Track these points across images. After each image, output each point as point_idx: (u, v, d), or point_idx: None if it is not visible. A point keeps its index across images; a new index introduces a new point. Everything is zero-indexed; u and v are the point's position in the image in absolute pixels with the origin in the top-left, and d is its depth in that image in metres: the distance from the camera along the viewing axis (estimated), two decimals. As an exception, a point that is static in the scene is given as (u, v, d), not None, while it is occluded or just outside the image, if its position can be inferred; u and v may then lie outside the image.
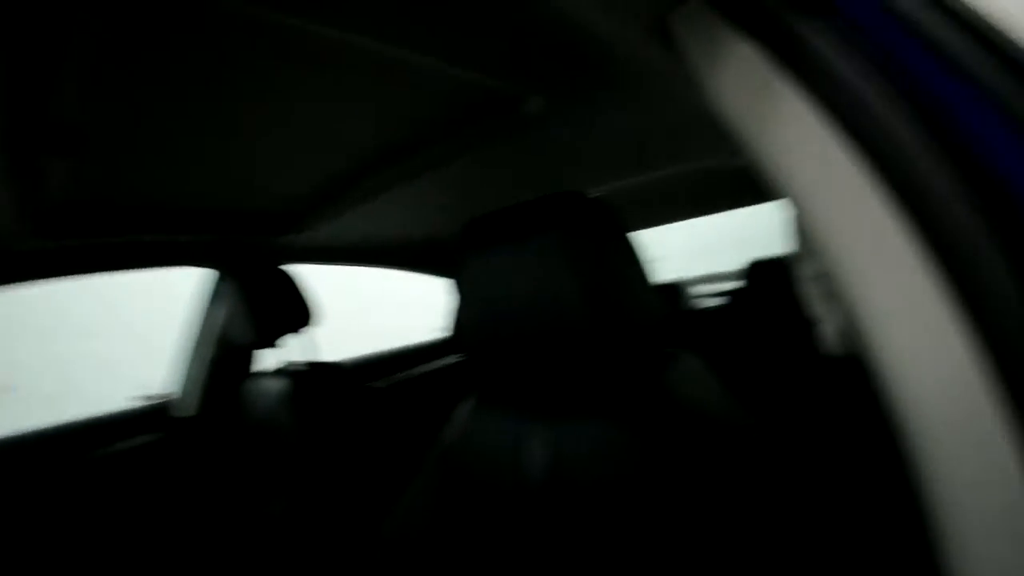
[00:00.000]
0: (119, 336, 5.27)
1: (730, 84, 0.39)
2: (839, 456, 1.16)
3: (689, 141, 1.00)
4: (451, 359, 2.11)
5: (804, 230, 0.35)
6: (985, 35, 0.30)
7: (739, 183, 1.42)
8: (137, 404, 1.49)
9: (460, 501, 0.61)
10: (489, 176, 1.05)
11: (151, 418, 1.40)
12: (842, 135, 0.32)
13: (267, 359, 1.51)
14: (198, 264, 1.35)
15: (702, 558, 0.44)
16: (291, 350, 1.22)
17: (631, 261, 0.57)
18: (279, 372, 1.15)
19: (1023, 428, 0.25)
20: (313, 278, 1.31)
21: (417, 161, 0.91)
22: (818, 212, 0.33)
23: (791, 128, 0.35)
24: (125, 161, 0.80)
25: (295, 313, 1.12)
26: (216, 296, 1.19)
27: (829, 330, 0.39)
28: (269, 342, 1.10)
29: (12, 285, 1.10)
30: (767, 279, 1.67)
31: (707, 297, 1.82)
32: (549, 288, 0.52)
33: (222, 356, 1.42)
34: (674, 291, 1.73)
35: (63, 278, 1.16)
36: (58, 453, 1.20)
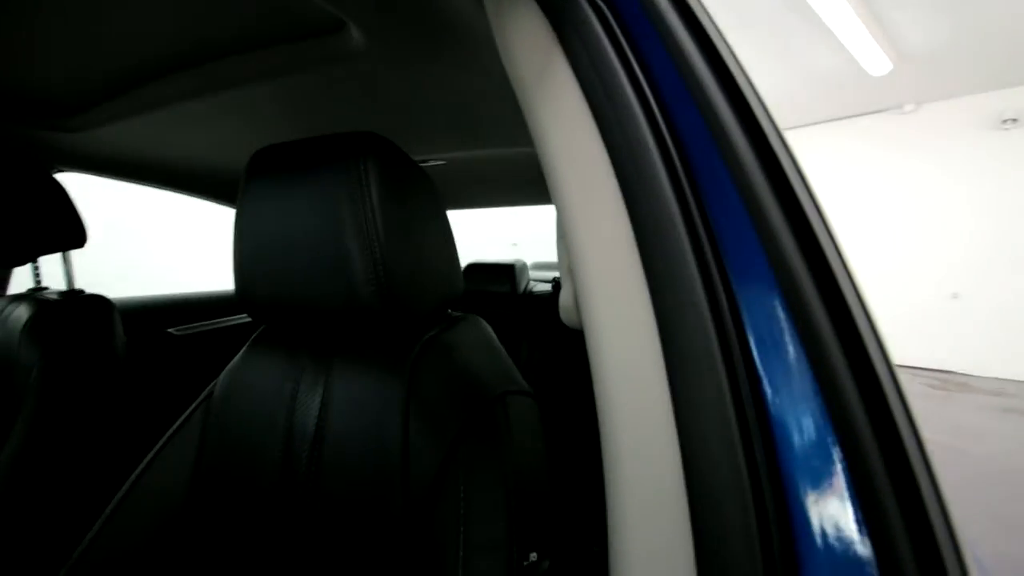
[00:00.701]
0: None
1: (516, 45, 0.40)
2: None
3: (522, 124, 1.02)
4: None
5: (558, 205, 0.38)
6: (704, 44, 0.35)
7: None
8: None
9: (220, 454, 0.56)
10: (291, 110, 0.96)
11: None
12: (590, 116, 0.35)
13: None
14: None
15: (442, 514, 0.45)
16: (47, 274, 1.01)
17: (429, 221, 0.57)
18: (24, 298, 0.94)
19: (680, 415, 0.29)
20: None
21: (212, 73, 0.80)
22: (562, 189, 0.36)
23: (556, 101, 0.37)
24: None
25: (55, 228, 0.92)
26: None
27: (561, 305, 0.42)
28: (16, 260, 0.88)
29: None
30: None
31: (542, 283, 1.94)
32: (332, 229, 0.49)
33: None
34: (511, 272, 1.80)
35: None
36: None
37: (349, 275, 0.49)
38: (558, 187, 0.36)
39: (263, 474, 0.53)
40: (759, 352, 0.28)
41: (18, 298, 0.95)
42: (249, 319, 1.80)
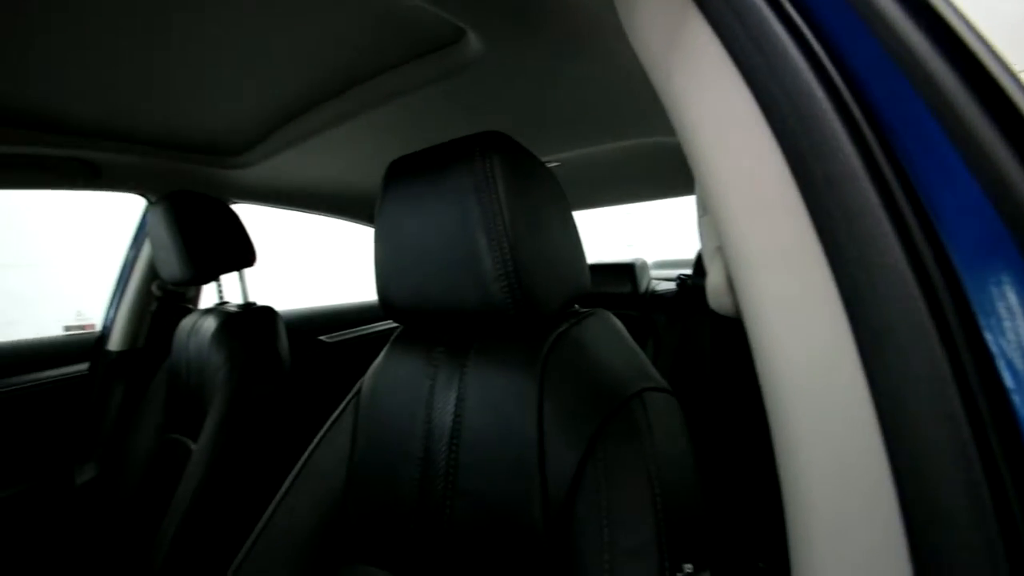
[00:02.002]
0: (59, 266, 5.14)
1: (642, 9, 0.37)
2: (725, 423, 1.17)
3: (645, 114, 0.98)
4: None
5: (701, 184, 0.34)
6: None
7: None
8: (68, 335, 1.44)
9: (369, 445, 0.60)
10: (419, 123, 1.01)
11: (81, 349, 1.35)
12: (735, 69, 0.30)
13: (205, 296, 1.47)
14: (129, 189, 1.29)
15: (581, 513, 0.43)
16: (228, 290, 1.18)
17: (555, 215, 0.55)
18: (212, 311, 1.11)
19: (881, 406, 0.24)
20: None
21: (350, 100, 0.88)
22: (707, 156, 0.32)
23: (693, 61, 0.33)
24: (45, 61, 0.74)
25: (233, 251, 1.08)
26: (151, 227, 1.13)
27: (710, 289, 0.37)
28: (202, 278, 1.05)
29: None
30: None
31: (664, 281, 1.83)
32: (462, 226, 0.50)
33: (154, 290, 1.38)
34: (631, 272, 1.73)
35: (12, 189, 1.09)
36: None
37: (480, 271, 0.49)
38: (702, 156, 0.33)
39: (406, 467, 0.55)
40: (985, 322, 0.22)
41: (208, 311, 1.13)
42: (389, 325, 1.97)
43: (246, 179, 1.30)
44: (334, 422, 0.64)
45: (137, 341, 1.37)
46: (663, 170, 1.42)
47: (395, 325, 1.99)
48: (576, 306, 0.59)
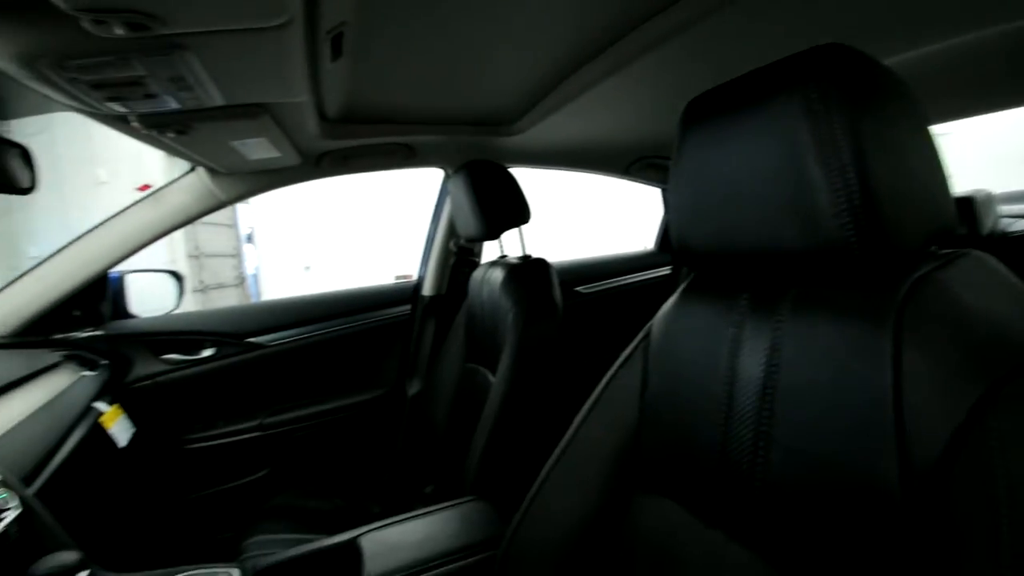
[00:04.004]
0: (385, 227, 6.88)
1: None
2: None
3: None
4: (658, 273, 2.06)
5: None
6: None
7: None
8: (396, 283, 1.88)
9: (662, 390, 0.61)
10: (714, 55, 0.93)
11: (405, 294, 1.75)
12: None
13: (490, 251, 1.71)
14: (434, 163, 1.56)
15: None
16: (509, 245, 1.35)
17: (909, 135, 0.45)
18: (497, 263, 1.29)
19: None
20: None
21: (621, 50, 0.86)
22: None
23: None
24: (380, 67, 0.95)
25: (513, 210, 1.21)
26: (449, 193, 1.36)
27: None
28: (492, 235, 1.22)
29: (309, 181, 1.45)
30: None
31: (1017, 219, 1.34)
32: (787, 160, 0.44)
33: (451, 247, 1.67)
34: (969, 208, 1.31)
35: (340, 175, 1.48)
36: (344, 312, 1.63)
37: (811, 208, 0.43)
38: None
39: (706, 413, 0.55)
40: None
41: (494, 263, 1.32)
42: (639, 278, 1.98)
43: (520, 144, 1.44)
44: (624, 362, 0.67)
45: (441, 288, 1.71)
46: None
47: (648, 276, 2.01)
48: (934, 247, 0.47)
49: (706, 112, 0.53)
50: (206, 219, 1.37)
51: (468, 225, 1.24)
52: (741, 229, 0.50)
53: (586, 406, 0.69)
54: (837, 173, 0.41)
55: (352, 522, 0.94)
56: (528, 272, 1.18)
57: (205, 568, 0.83)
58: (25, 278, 1.21)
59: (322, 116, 1.10)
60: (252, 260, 7.56)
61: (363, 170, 1.51)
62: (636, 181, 1.87)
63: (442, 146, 1.44)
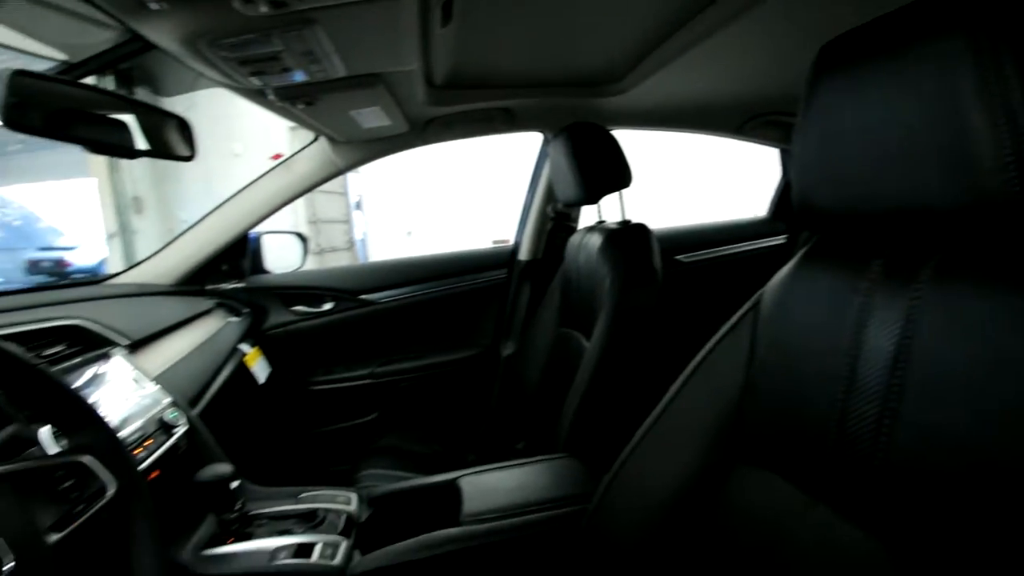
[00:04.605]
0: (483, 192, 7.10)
1: None
2: None
3: None
4: (769, 243, 1.91)
5: None
6: None
7: None
8: (493, 247, 1.94)
9: (771, 360, 0.58)
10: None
11: (502, 259, 1.80)
12: None
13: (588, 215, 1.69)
14: (533, 128, 1.56)
15: None
16: (607, 209, 1.33)
17: None
18: (595, 228, 1.27)
19: None
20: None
21: (725, 6, 0.79)
22: None
23: None
24: (485, 30, 0.95)
25: (614, 173, 1.18)
26: (548, 157, 1.36)
27: None
28: (591, 199, 1.20)
29: (415, 148, 1.51)
30: None
31: None
32: (941, 107, 0.39)
33: (549, 212, 1.67)
34: None
35: (443, 142, 1.53)
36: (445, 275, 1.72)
37: (968, 159, 0.38)
38: None
39: (822, 385, 0.51)
40: None
41: (591, 229, 1.30)
42: (745, 247, 1.85)
43: (623, 105, 1.39)
44: (730, 330, 0.64)
45: (538, 253, 1.73)
46: None
47: (756, 246, 1.87)
48: None
49: (844, 57, 0.48)
50: (322, 188, 1.51)
51: (567, 189, 1.23)
52: (878, 185, 0.45)
53: (685, 374, 0.68)
54: (1004, 120, 0.35)
55: (449, 466, 1.02)
56: (627, 238, 1.16)
57: (329, 490, 0.96)
58: (183, 237, 1.42)
59: (429, 83, 1.14)
60: (360, 226, 8.16)
61: (465, 136, 1.55)
62: (750, 141, 1.73)
63: (542, 110, 1.43)
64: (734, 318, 0.65)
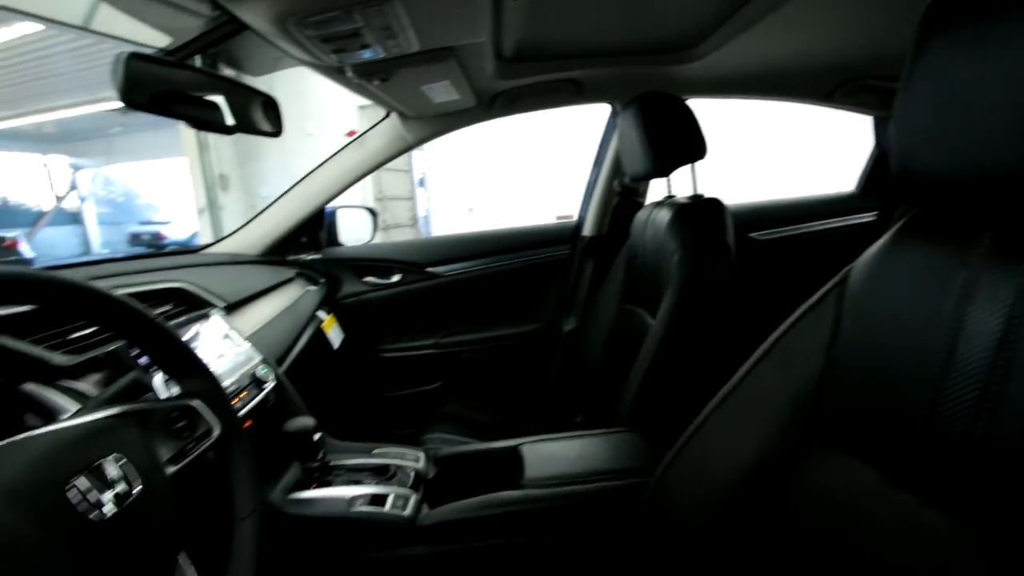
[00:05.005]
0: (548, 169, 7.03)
1: None
2: None
3: None
4: (853, 219, 1.77)
5: None
6: None
7: None
8: (556, 223, 1.93)
9: (857, 338, 0.55)
10: None
11: (565, 234, 1.79)
12: None
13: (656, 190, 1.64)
14: (602, 99, 1.52)
15: None
16: (678, 183, 1.28)
17: None
18: (664, 203, 1.23)
19: None
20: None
21: None
22: None
23: None
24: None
25: (687, 145, 1.13)
26: (616, 129, 1.32)
27: None
28: (662, 172, 1.16)
29: (481, 123, 1.52)
30: None
31: None
32: None
33: (615, 187, 1.64)
34: None
35: (509, 115, 1.52)
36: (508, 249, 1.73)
37: None
38: None
39: (915, 366, 0.48)
40: None
41: (660, 203, 1.26)
42: (830, 225, 1.73)
43: (699, 73, 1.32)
44: (811, 308, 0.61)
45: (602, 229, 1.70)
46: None
47: (842, 224, 1.74)
48: None
49: (957, 12, 0.43)
50: (388, 166, 1.56)
51: (635, 162, 1.20)
52: (994, 151, 0.41)
53: (758, 353, 0.65)
54: None
55: (510, 436, 1.04)
56: (698, 213, 1.12)
57: (399, 447, 1.02)
58: (267, 211, 1.52)
59: (498, 56, 1.14)
60: (423, 203, 8.36)
61: (531, 109, 1.54)
62: (840, 108, 1.59)
63: (612, 80, 1.39)
64: (816, 295, 0.62)
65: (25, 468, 0.40)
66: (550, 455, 0.93)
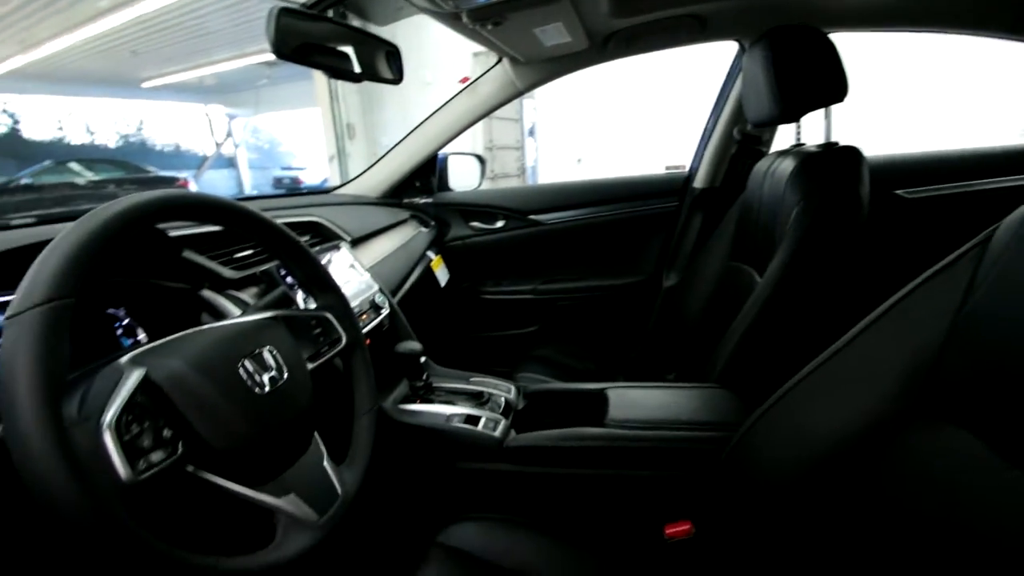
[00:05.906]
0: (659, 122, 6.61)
1: None
2: None
3: None
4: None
5: None
6: None
7: None
8: (665, 174, 1.84)
9: (990, 302, 0.49)
10: None
11: (674, 186, 1.71)
12: None
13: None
14: (728, 36, 1.39)
15: None
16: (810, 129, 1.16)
17: None
18: (789, 152, 1.13)
19: None
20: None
21: None
22: None
23: None
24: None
25: (823, 85, 1.01)
26: (745, 70, 1.20)
27: None
28: (790, 116, 1.05)
29: (594, 66, 1.47)
30: None
31: None
32: None
33: (735, 135, 1.51)
34: None
35: (625, 57, 1.45)
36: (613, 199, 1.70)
37: None
38: None
39: None
40: None
41: (784, 152, 1.15)
42: (997, 183, 1.46)
43: (844, 1, 1.15)
44: (940, 270, 0.55)
45: (716, 180, 1.60)
46: None
47: (1011, 183, 1.45)
48: None
49: None
50: (497, 114, 1.59)
51: (760, 106, 1.09)
52: None
53: (872, 316, 0.60)
54: None
55: (599, 382, 1.08)
56: (828, 163, 1.01)
57: (494, 379, 1.10)
58: (386, 157, 1.64)
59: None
60: (531, 153, 8.33)
61: (646, 50, 1.45)
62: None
63: (739, 12, 1.26)
64: (949, 258, 0.55)
65: (211, 347, 0.52)
66: (635, 401, 0.95)
